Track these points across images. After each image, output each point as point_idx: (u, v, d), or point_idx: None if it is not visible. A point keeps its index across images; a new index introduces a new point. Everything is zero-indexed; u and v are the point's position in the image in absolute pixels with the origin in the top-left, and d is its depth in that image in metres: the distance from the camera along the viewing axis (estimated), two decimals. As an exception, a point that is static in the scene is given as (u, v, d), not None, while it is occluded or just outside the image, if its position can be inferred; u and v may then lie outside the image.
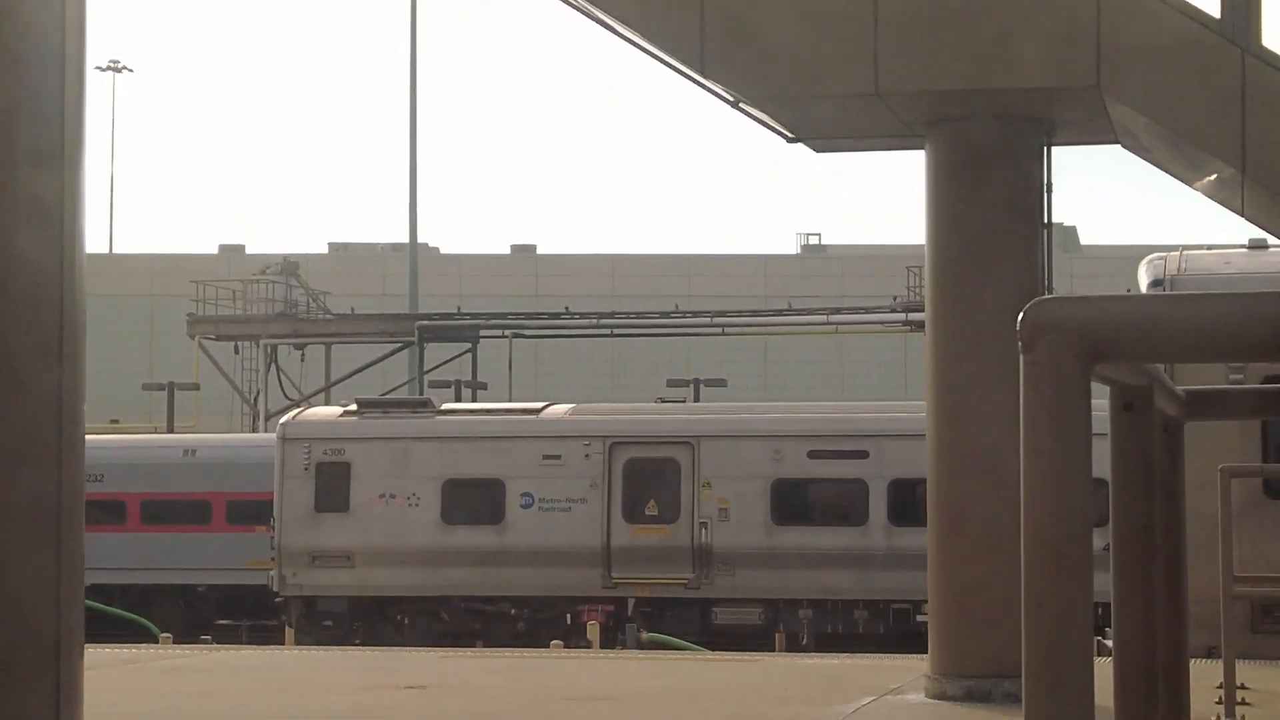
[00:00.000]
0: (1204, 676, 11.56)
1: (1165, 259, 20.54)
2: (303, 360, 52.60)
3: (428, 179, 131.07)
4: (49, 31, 4.04)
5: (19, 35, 3.97)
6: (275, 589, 32.67)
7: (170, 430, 47.23)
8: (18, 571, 4.47)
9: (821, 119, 15.97)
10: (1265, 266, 19.91)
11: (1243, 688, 13.36)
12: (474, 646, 27.95)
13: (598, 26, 15.73)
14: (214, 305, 53.49)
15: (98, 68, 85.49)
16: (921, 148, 15.63)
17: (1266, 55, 14.01)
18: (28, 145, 4.02)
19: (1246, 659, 14.00)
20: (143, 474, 37.42)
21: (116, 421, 49.62)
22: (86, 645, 23.04)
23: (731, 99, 15.49)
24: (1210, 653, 13.38)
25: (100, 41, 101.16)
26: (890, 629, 29.22)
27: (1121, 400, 2.48)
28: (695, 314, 52.73)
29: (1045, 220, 15.64)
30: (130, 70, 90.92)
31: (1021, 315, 1.87)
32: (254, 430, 46.43)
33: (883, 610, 30.36)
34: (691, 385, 47.77)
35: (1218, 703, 12.90)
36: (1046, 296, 1.84)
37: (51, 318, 4.00)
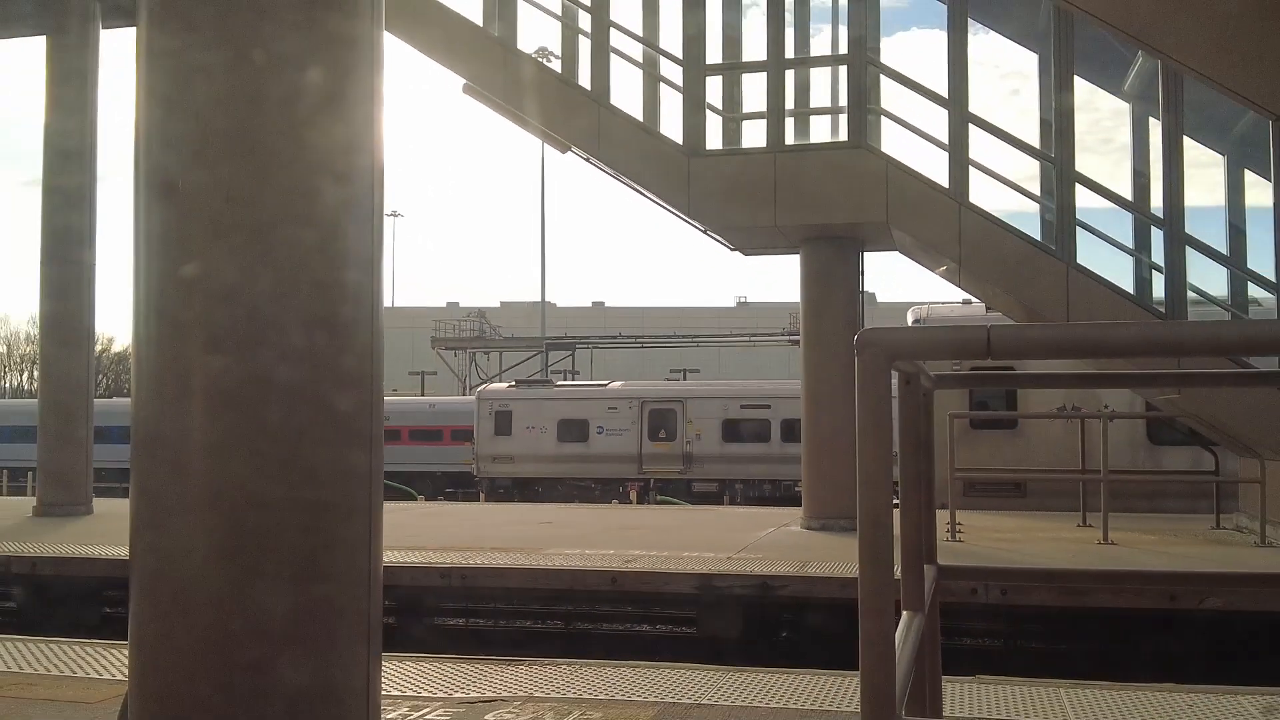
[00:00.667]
0: (939, 520, 11.47)
1: (920, 308, 20.63)
2: (488, 361, 52.88)
3: (553, 259, 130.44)
4: (365, 178, 3.96)
5: (343, 179, 3.83)
6: (475, 474, 32.85)
7: (422, 394, 47.35)
8: (345, 508, 3.95)
9: (747, 240, 15.98)
10: (970, 313, 20.04)
11: (959, 525, 13.36)
12: (574, 503, 27.93)
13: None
14: (445, 333, 53.85)
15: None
16: (798, 252, 15.62)
17: (970, 205, 13.98)
18: (353, 250, 3.92)
19: (961, 510, 13.95)
20: (410, 415, 37.60)
21: (396, 391, 49.86)
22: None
23: (702, 229, 15.48)
24: (943, 508, 13.36)
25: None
26: (783, 496, 29.16)
27: (904, 379, 2.48)
28: (685, 337, 53.17)
29: (860, 289, 15.62)
30: (402, 215, 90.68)
31: (856, 337, 1.88)
32: (463, 395, 46.38)
33: (778, 486, 30.34)
34: (683, 373, 47.72)
35: (947, 532, 12.89)
36: (867, 328, 1.85)
37: (366, 339, 3.95)
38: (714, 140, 15.19)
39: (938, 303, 22.47)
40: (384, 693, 5.91)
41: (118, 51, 31.49)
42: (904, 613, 2.57)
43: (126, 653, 3.97)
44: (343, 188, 3.90)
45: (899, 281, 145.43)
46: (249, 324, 3.77)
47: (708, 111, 15.16)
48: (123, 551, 3.83)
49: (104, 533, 14.23)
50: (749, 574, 10.93)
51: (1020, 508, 17.45)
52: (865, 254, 15.60)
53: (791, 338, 45.57)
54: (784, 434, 30.23)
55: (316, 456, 3.85)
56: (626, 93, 15.81)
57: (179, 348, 3.80)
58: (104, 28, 18.63)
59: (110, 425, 22.94)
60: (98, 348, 23.25)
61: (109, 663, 7.30)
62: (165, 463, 3.78)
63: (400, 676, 6.88)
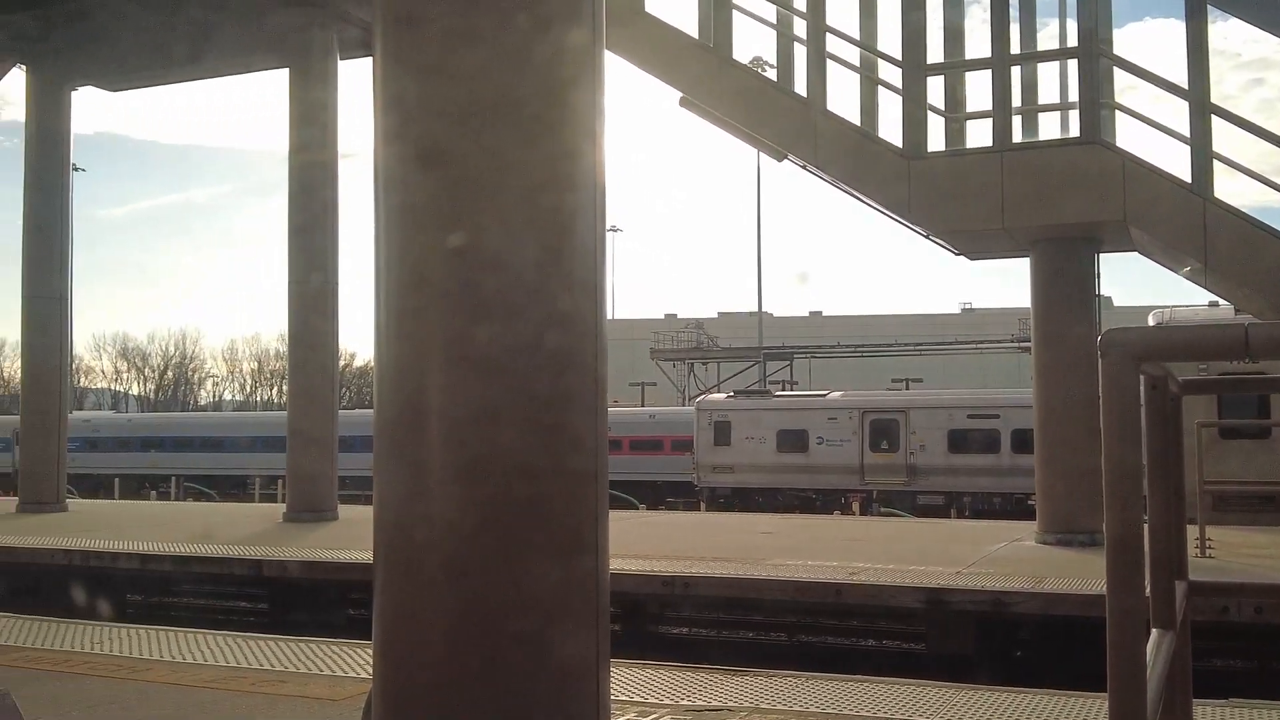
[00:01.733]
0: (1189, 535, 10.83)
1: (1162, 312, 19.58)
2: (706, 371, 53.10)
3: (770, 268, 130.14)
4: (589, 198, 3.99)
5: (569, 191, 3.85)
6: (695, 483, 33.08)
7: (642, 405, 47.97)
8: (576, 495, 4.02)
9: (972, 243, 15.54)
10: (1218, 316, 18.93)
11: (1209, 541, 12.59)
12: (795, 513, 27.73)
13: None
14: (663, 344, 54.44)
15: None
16: (1027, 255, 15.09)
17: (1217, 201, 13.20)
18: (578, 273, 3.94)
19: (1211, 525, 13.16)
20: (630, 425, 38.11)
21: (617, 402, 50.75)
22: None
23: (924, 233, 15.14)
24: (1191, 522, 12.62)
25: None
26: (1014, 510, 28.15)
27: (1150, 384, 2.35)
28: (906, 345, 52.14)
29: (1096, 291, 14.97)
30: (621, 230, 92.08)
31: (1101, 337, 1.80)
32: (682, 405, 46.72)
33: (1009, 499, 29.32)
34: (904, 382, 46.75)
35: (1196, 548, 12.17)
36: (1113, 327, 1.76)
37: (590, 352, 3.97)
38: (935, 142, 14.85)
39: (1181, 306, 21.28)
40: (614, 697, 6.00)
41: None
42: (1153, 631, 2.44)
43: (371, 651, 4.13)
44: (576, 164, 4.03)
45: (1136, 285, 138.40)
46: (516, 290, 3.86)
47: (929, 112, 14.83)
48: (368, 555, 3.99)
49: (350, 537, 14.98)
50: (981, 589, 10.59)
51: (1274, 523, 16.31)
52: (1100, 255, 14.93)
53: (1021, 344, 44.01)
54: (1015, 445, 29.18)
55: (582, 425, 3.94)
56: (843, 97, 15.66)
57: (447, 317, 3.88)
58: (341, 58, 19.70)
59: (353, 435, 24.19)
60: (340, 362, 24.47)
61: (354, 661, 7.67)
62: (434, 433, 3.86)
63: (626, 682, 6.98)
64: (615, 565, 11.64)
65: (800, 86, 15.31)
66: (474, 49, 3.97)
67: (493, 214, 3.90)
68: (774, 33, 15.68)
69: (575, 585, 3.92)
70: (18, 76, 21.98)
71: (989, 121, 14.58)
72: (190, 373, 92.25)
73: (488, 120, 3.95)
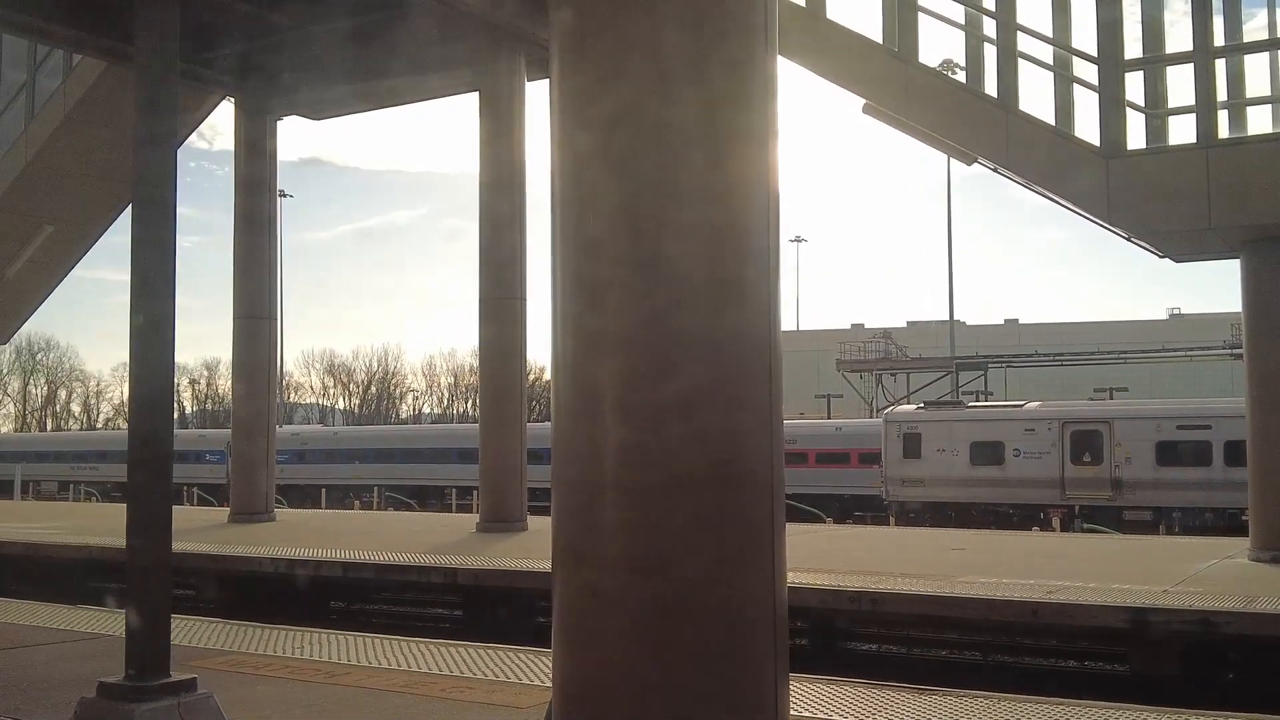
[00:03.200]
0: None
1: None
2: (894, 382, 52.21)
3: (961, 275, 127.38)
4: (762, 208, 3.99)
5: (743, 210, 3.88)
6: (884, 497, 32.57)
7: (829, 418, 47.49)
8: (745, 500, 4.05)
9: (1177, 245, 14.82)
10: None
11: None
12: (989, 528, 26.96)
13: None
14: (849, 355, 53.82)
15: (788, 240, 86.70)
16: (1237, 256, 14.31)
17: None
18: (750, 280, 3.95)
19: None
20: (815, 439, 37.77)
21: (803, 414, 50.36)
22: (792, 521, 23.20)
23: (1125, 235, 14.52)
24: None
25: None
26: (1228, 526, 26.65)
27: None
28: (1110, 353, 50.18)
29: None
30: (806, 240, 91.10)
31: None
32: (871, 417, 46.07)
33: (1222, 514, 27.79)
34: (1108, 392, 44.88)
35: None
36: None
37: (764, 364, 3.98)
38: (1136, 139, 14.22)
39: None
40: (795, 713, 5.94)
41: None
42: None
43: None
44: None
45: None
46: (690, 304, 3.94)
47: (1128, 109, 14.22)
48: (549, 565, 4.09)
49: (537, 547, 15.30)
50: (1188, 609, 10.05)
51: None
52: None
53: (1234, 351, 41.69)
54: (1228, 457, 27.65)
55: (755, 435, 4.05)
56: (1036, 97, 15.15)
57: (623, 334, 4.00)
58: (528, 80, 20.22)
59: (542, 448, 24.72)
60: (530, 377, 25.04)
61: (538, 669, 7.82)
62: (608, 442, 3.93)
63: (808, 698, 6.89)
64: (801, 579, 11.57)
65: (990, 88, 14.92)
66: (648, 61, 4.02)
67: (670, 231, 3.97)
68: (961, 34, 15.34)
69: (749, 595, 3.94)
70: (227, 109, 23.34)
71: (1192, 117, 13.90)
72: (392, 387, 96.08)
73: (659, 133, 4.01)
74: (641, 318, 3.95)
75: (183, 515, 23.08)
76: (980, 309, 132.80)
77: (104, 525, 19.95)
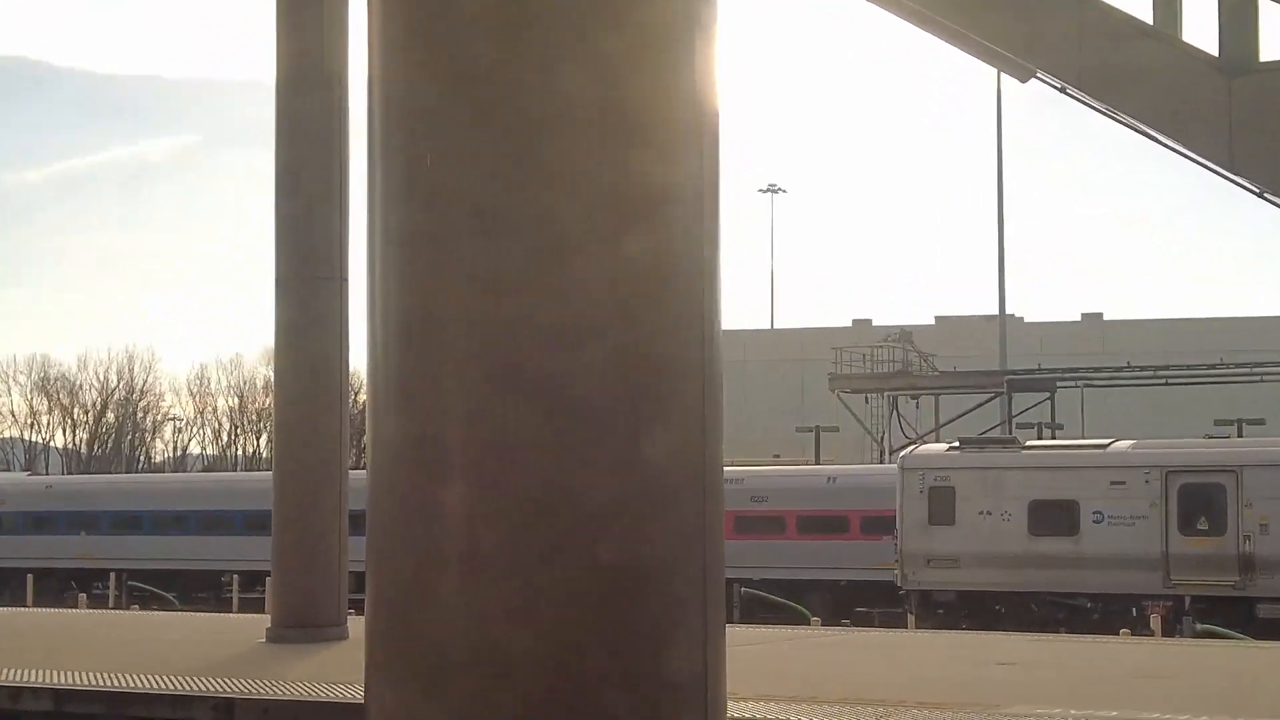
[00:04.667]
0: None
1: None
2: (917, 408, 52.77)
3: (1014, 254, 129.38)
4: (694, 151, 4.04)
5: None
6: (899, 584, 32.91)
7: (817, 462, 47.91)
8: (669, 530, 4.40)
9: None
10: None
11: None
12: (1057, 633, 27.29)
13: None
14: (849, 366, 54.22)
15: (759, 190, 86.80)
16: None
17: None
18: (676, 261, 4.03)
19: None
20: (797, 495, 38.15)
21: (778, 456, 50.77)
22: (752, 627, 23.21)
23: (1255, 189, 14.77)
24: None
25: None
26: None
27: None
28: (1238, 365, 51.04)
29: None
30: (783, 191, 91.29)
31: None
32: (880, 462, 46.48)
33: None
34: (1235, 424, 45.67)
35: None
36: None
37: (694, 378, 4.07)
38: (1272, 49, 14.51)
39: None
40: None
41: None
42: None
43: None
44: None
45: None
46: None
47: (1260, 3, 14.50)
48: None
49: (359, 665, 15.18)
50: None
51: None
52: None
53: None
54: None
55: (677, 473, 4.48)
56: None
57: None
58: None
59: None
60: (356, 396, 25.02)
61: None
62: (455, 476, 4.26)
63: None
64: (772, 713, 11.56)
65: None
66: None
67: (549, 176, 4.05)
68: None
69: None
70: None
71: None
72: (140, 414, 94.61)
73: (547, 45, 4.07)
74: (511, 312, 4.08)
75: None
76: (1045, 299, 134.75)
77: None
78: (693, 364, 4.28)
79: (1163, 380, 52.71)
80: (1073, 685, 14.17)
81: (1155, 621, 29.58)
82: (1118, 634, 27.64)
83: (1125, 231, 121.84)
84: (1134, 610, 30.43)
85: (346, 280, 19.66)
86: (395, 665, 4.28)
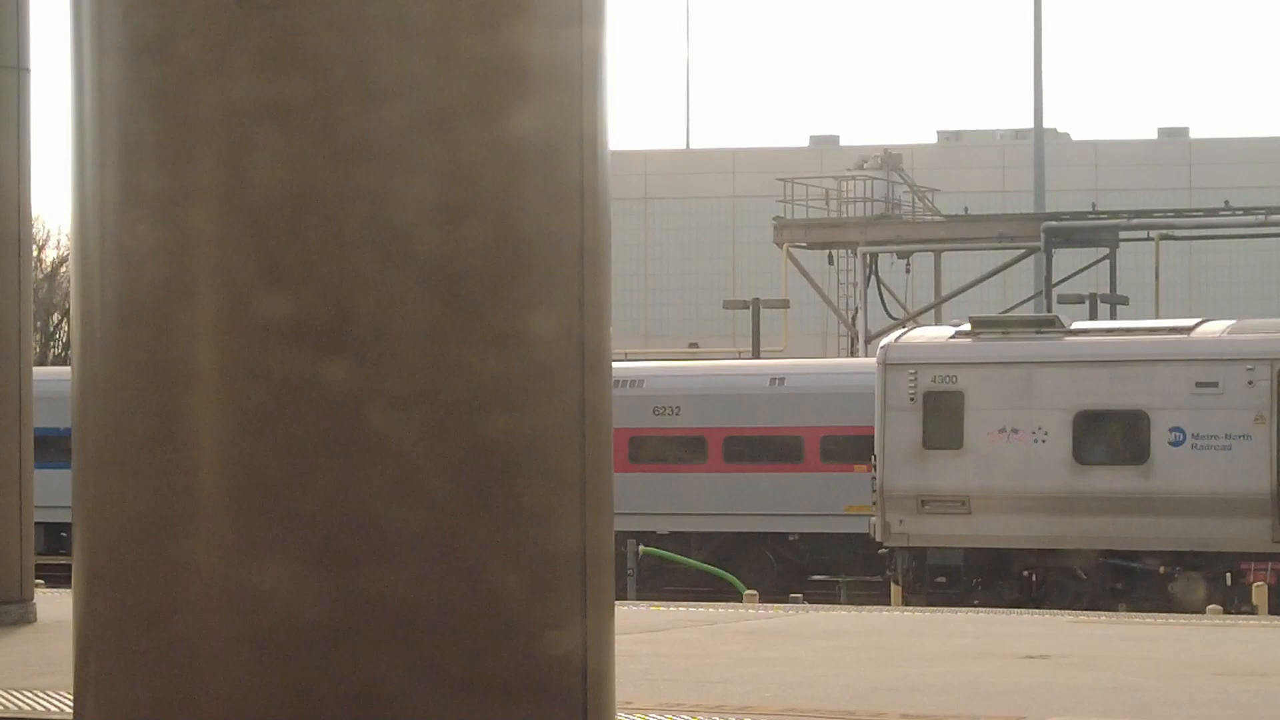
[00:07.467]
0: None
1: None
2: (908, 271, 52.45)
3: (1055, 54, 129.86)
4: None
5: None
6: (878, 538, 32.86)
7: (755, 355, 47.53)
8: (552, 408, 5.81)
9: None
10: None
11: None
12: (1114, 610, 27.64)
13: None
14: (804, 207, 53.36)
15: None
16: None
17: None
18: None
19: None
20: (725, 406, 37.91)
21: (695, 346, 50.61)
22: (661, 603, 23.74)
23: None
24: None
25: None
26: None
27: None
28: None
29: None
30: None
31: None
32: (851, 354, 46.67)
33: None
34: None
35: None
36: None
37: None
38: None
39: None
40: None
41: None
42: None
43: None
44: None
45: None
46: None
47: None
48: None
49: (65, 659, 15.21)
50: None
51: None
52: None
53: None
54: None
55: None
56: None
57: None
58: None
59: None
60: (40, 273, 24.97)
61: None
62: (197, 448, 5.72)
63: None
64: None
65: None
66: None
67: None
68: None
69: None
70: None
71: None
72: None
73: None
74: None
75: None
76: (1100, 109, 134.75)
77: None
78: (571, 239, 5.43)
79: (1277, 228, 52.14)
80: (1135, 690, 14.37)
81: (1260, 593, 29.89)
82: (1204, 611, 27.94)
83: (1208, 14, 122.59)
84: (1229, 576, 30.70)
85: (29, 72, 19.53)
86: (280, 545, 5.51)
